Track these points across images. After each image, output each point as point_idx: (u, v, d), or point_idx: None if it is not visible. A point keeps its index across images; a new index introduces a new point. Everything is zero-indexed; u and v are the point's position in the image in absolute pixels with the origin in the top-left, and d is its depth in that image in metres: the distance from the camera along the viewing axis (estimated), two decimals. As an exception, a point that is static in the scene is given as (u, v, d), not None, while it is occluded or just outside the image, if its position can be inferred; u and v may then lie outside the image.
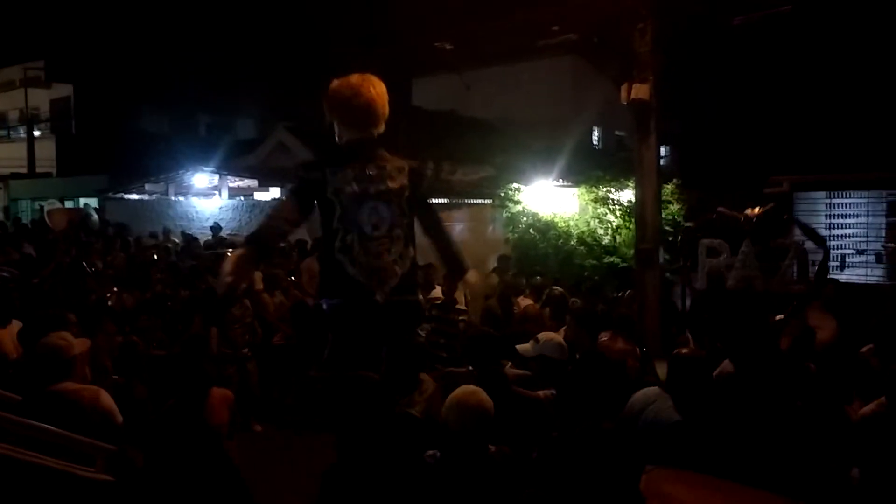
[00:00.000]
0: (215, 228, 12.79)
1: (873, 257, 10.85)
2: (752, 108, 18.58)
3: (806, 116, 17.54)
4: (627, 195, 12.27)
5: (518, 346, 4.21)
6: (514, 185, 13.28)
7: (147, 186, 16.92)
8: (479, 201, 13.35)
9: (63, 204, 18.67)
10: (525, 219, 13.21)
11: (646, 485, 2.27)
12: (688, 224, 9.72)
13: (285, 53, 27.45)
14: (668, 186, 12.82)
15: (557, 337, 4.26)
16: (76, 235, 11.02)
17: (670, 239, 12.46)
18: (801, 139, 16.84)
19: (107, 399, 2.35)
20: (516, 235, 13.22)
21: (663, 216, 11.57)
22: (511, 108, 18.95)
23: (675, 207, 13.02)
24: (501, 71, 19.59)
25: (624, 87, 7.48)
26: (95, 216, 11.45)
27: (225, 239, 12.06)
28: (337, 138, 3.14)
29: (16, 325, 5.31)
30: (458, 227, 12.75)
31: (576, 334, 4.95)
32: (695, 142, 19.72)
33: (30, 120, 28.65)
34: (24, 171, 26.95)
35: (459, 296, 8.00)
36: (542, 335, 4.21)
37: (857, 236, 11.00)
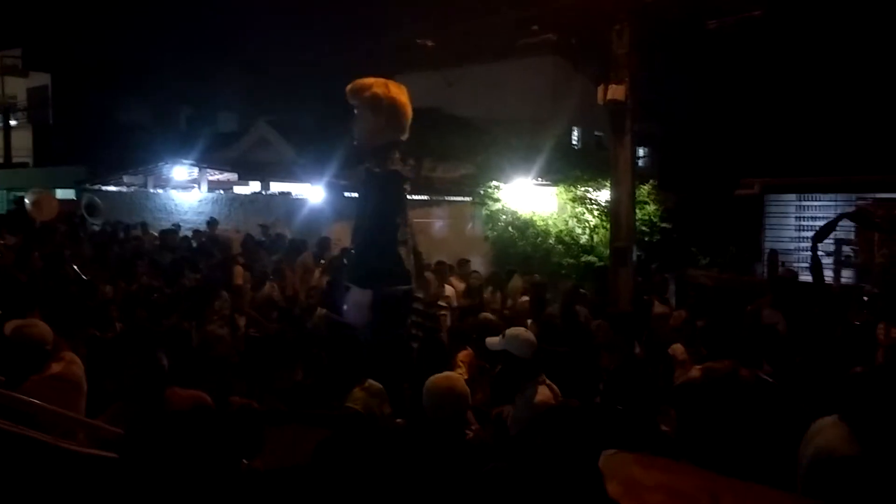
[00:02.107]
0: (212, 223, 12.77)
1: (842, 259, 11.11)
2: (727, 111, 18.90)
3: (778, 120, 17.90)
4: (605, 195, 12.44)
5: (487, 340, 4.08)
6: (494, 183, 13.40)
7: (125, 178, 16.84)
8: (459, 198, 13.46)
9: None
10: (504, 217, 13.34)
11: (605, 466, 2.33)
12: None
13: (268, 47, 27.34)
14: (645, 187, 13.04)
15: (525, 333, 4.05)
16: (54, 227, 10.93)
17: (646, 238, 12.69)
18: (774, 142, 17.19)
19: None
20: (495, 233, 13.35)
21: (640, 216, 11.78)
22: (492, 107, 19.04)
23: (651, 208, 13.25)
24: (483, 69, 19.68)
25: (601, 88, 7.61)
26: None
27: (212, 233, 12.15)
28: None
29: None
30: (437, 224, 12.84)
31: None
32: (672, 144, 20.01)
33: (6, 109, 28.24)
34: (0, 161, 26.59)
35: (447, 289, 8.07)
36: (510, 330, 4.04)
37: (826, 238, 11.24)
